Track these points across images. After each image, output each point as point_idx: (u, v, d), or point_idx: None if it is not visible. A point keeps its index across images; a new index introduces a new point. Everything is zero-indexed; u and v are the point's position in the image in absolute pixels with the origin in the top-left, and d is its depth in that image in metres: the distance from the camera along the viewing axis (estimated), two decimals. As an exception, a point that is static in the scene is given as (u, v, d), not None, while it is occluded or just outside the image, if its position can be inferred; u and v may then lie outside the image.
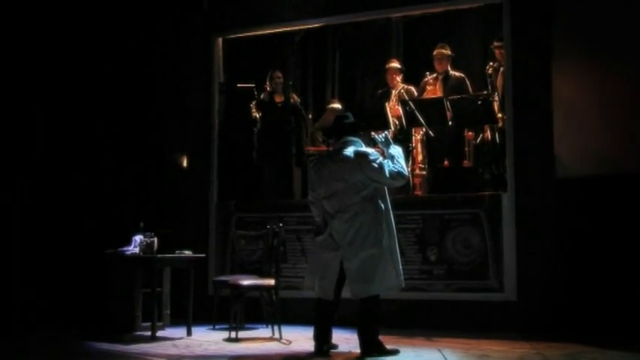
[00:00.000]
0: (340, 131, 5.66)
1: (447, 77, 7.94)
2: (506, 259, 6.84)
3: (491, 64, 7.76)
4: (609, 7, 6.67)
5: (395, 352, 5.45)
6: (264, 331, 6.81)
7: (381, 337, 5.58)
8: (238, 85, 8.57)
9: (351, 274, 5.36)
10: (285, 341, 6.22)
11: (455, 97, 7.52)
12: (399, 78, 8.15)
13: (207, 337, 6.53)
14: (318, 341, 5.48)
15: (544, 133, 6.78)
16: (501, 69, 7.62)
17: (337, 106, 8.48)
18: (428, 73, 8.06)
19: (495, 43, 7.70)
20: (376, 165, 5.38)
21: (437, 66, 7.97)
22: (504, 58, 7.28)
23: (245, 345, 6.14)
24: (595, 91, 6.69)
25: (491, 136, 7.64)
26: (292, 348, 5.94)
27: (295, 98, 8.61)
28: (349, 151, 5.48)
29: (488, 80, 7.68)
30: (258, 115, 8.46)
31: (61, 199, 7.75)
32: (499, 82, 7.62)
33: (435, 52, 7.95)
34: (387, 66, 8.24)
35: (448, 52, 7.94)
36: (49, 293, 7.31)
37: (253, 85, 8.50)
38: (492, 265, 6.90)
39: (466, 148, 7.70)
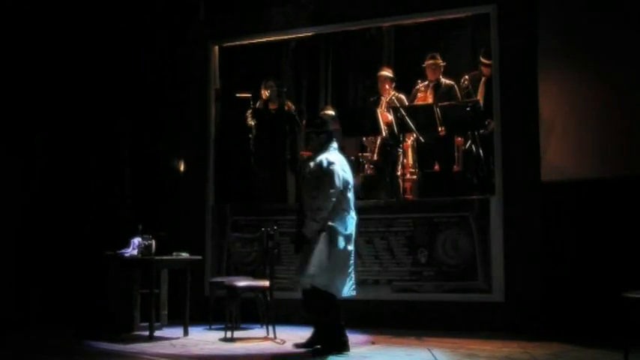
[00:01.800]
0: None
1: (438, 85, 8.02)
2: (494, 261, 6.94)
3: (466, 77, 7.90)
4: (594, 16, 6.77)
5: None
6: (258, 331, 6.87)
7: (374, 337, 5.74)
8: (236, 94, 8.66)
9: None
10: (279, 341, 6.29)
11: (444, 103, 7.67)
12: (389, 86, 8.23)
13: (204, 337, 6.61)
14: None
15: (530, 139, 6.88)
16: (483, 79, 7.77)
17: (330, 112, 8.60)
18: (419, 80, 8.16)
19: (483, 60, 7.80)
20: None
21: (429, 74, 8.05)
22: (492, 69, 7.39)
23: (240, 344, 6.21)
24: (580, 98, 6.78)
25: (478, 141, 7.78)
26: (286, 347, 6.00)
27: (290, 105, 8.70)
28: None
29: (463, 92, 7.82)
30: (252, 123, 8.55)
31: (61, 202, 7.82)
32: (480, 91, 7.76)
33: (427, 62, 8.02)
34: (378, 74, 8.32)
35: (440, 61, 8.02)
36: (49, 294, 7.37)
37: (250, 95, 8.61)
38: (480, 267, 6.99)
39: (455, 154, 7.85)
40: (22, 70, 7.70)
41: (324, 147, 5.76)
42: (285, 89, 8.80)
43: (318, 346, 5.54)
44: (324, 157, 5.66)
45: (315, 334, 5.77)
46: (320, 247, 5.49)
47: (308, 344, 5.76)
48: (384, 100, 8.23)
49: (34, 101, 7.80)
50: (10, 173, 7.57)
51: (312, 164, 5.71)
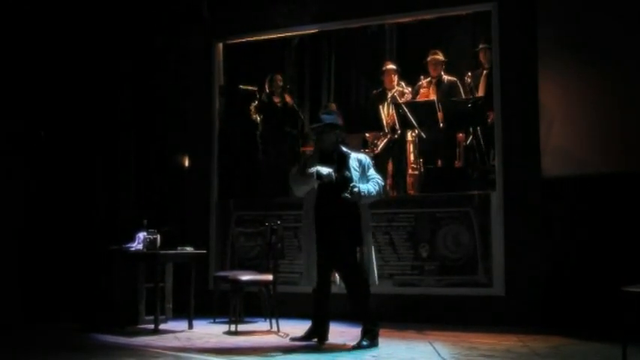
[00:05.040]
0: None
1: (440, 81, 8.07)
2: (495, 256, 7.00)
3: (469, 74, 7.92)
4: (594, 13, 6.81)
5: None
6: (262, 325, 6.92)
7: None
8: (241, 86, 8.72)
9: None
10: (282, 334, 6.33)
11: (446, 99, 7.73)
12: (395, 79, 8.29)
13: (208, 330, 6.66)
14: None
15: (530, 135, 6.94)
16: (484, 72, 7.79)
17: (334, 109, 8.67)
18: (422, 77, 8.20)
19: (481, 46, 7.86)
20: None
21: (431, 71, 8.11)
22: (492, 61, 7.43)
23: (244, 338, 6.25)
24: (579, 94, 6.83)
25: (479, 137, 7.84)
26: (289, 341, 6.01)
27: (291, 99, 8.75)
28: None
29: (468, 88, 7.86)
30: (258, 118, 8.62)
31: (65, 197, 7.84)
32: (482, 85, 7.79)
33: (429, 58, 8.07)
34: (383, 68, 8.35)
35: (442, 57, 8.07)
36: (54, 288, 7.39)
37: (256, 89, 8.67)
38: (481, 262, 7.05)
39: (457, 150, 7.89)
40: (25, 67, 7.71)
41: (339, 143, 5.84)
42: (288, 86, 8.85)
43: (365, 342, 5.56)
44: (362, 156, 5.90)
45: (313, 327, 5.87)
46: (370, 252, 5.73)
47: (305, 337, 5.87)
48: (389, 94, 8.27)
49: (38, 97, 7.81)
50: (14, 169, 7.60)
51: (355, 162, 5.75)
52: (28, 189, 7.69)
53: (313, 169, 5.57)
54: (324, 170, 5.57)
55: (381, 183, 5.78)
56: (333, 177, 5.58)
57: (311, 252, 5.74)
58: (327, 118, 5.89)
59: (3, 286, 7.31)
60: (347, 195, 5.50)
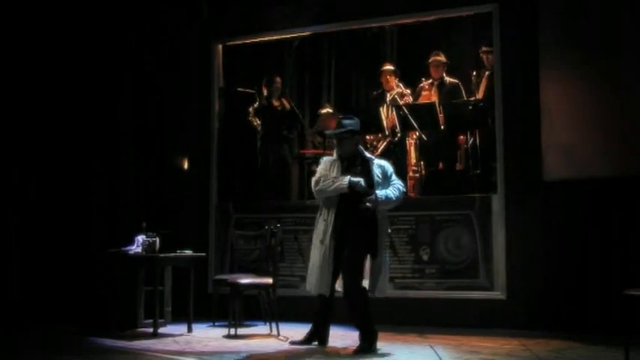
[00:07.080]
0: None
1: (442, 83, 8.05)
2: (496, 259, 6.97)
3: (474, 73, 7.91)
4: (595, 13, 6.82)
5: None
6: (262, 328, 6.90)
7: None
8: (239, 89, 8.71)
9: None
10: (282, 337, 6.31)
11: (447, 102, 7.70)
12: (393, 80, 8.28)
13: (207, 334, 6.63)
14: None
15: (532, 138, 6.92)
16: (486, 73, 7.75)
17: (330, 110, 8.66)
18: (424, 79, 8.18)
19: (483, 48, 7.82)
20: None
21: (433, 72, 8.09)
22: (494, 63, 7.40)
23: (244, 341, 6.24)
24: (581, 95, 6.82)
25: (480, 139, 7.81)
26: (289, 344, 6.00)
27: (289, 102, 8.73)
28: None
29: (473, 88, 7.85)
30: (258, 122, 8.60)
31: (66, 200, 7.85)
32: (482, 87, 7.77)
33: (430, 60, 8.06)
34: (381, 69, 8.35)
35: (443, 59, 8.05)
36: (53, 292, 7.39)
37: (254, 92, 8.65)
38: (482, 265, 7.02)
39: (458, 152, 7.88)
40: (25, 67, 7.72)
41: (358, 148, 5.85)
42: (288, 90, 8.84)
43: (365, 346, 5.53)
44: (384, 162, 5.94)
45: (313, 330, 5.87)
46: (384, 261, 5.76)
47: (305, 341, 5.86)
48: (388, 96, 8.25)
49: (37, 98, 7.82)
50: (13, 172, 7.59)
51: (378, 168, 5.74)
52: (28, 191, 7.68)
53: (345, 180, 5.58)
54: (357, 180, 5.58)
55: (402, 189, 5.80)
56: (363, 187, 5.58)
57: (318, 256, 5.70)
58: (348, 124, 5.81)
59: (2, 289, 7.29)
60: (365, 205, 5.53)
